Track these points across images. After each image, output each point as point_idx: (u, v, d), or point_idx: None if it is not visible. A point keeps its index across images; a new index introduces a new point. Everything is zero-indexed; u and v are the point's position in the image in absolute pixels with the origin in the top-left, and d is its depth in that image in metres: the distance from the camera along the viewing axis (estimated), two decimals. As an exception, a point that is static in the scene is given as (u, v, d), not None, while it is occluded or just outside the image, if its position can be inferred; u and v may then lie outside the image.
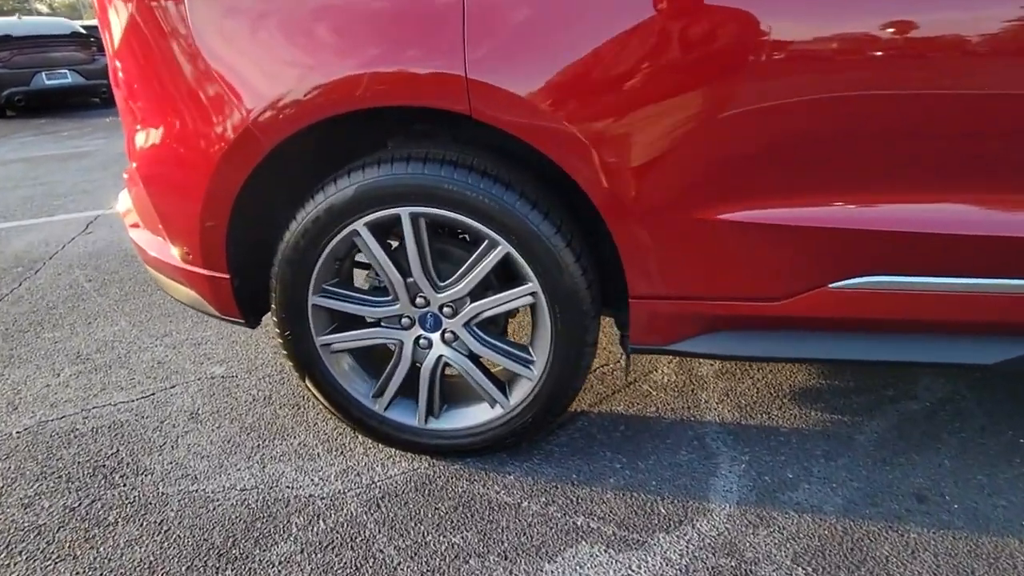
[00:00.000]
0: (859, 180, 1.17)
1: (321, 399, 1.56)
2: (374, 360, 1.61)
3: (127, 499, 1.51)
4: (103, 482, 1.57)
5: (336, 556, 1.32)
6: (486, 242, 1.33)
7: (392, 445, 1.59)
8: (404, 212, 1.32)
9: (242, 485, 1.53)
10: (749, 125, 1.14)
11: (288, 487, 1.52)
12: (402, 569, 1.28)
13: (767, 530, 1.32)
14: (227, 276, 1.46)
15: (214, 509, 1.46)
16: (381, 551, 1.33)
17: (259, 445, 1.67)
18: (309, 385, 1.55)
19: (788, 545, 1.28)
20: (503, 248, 1.31)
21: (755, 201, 1.21)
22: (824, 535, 1.30)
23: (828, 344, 1.31)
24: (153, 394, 1.93)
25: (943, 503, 1.36)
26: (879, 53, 1.07)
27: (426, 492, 1.48)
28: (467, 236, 1.59)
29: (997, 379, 1.76)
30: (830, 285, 1.25)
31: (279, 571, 1.29)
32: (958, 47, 1.06)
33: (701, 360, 1.92)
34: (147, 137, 1.40)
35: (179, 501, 1.49)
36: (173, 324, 2.36)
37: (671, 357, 1.95)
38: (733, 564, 1.25)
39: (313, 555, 1.32)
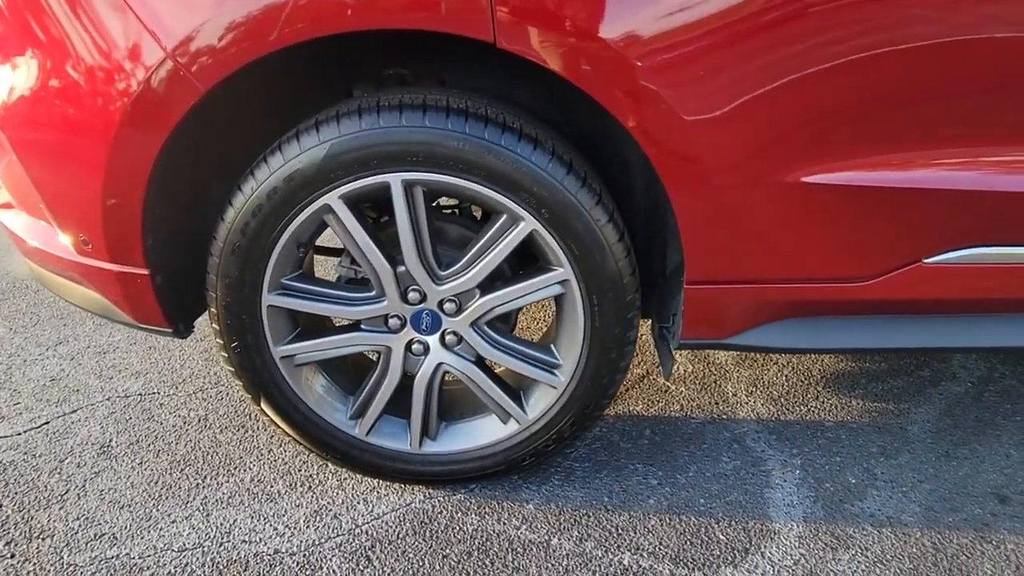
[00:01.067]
0: (972, 132, 0.96)
1: (283, 426, 1.21)
2: (348, 371, 1.27)
3: (18, 577, 1.11)
4: (-19, 554, 1.16)
5: (323, 638, 1.00)
6: (504, 217, 1.02)
7: (378, 476, 1.27)
8: (395, 179, 0.98)
9: (180, 543, 1.17)
10: (846, 64, 0.89)
11: (244, 541, 1.17)
12: (415, 649, 0.98)
13: (848, 553, 1.11)
14: (145, 272, 1.07)
15: (145, 582, 1.10)
16: (381, 624, 1.02)
17: (199, 484, 1.31)
18: (266, 409, 1.19)
19: (878, 571, 1.08)
20: (528, 224, 1.01)
21: (848, 159, 0.96)
22: (915, 554, 1.11)
23: (920, 330, 1.10)
24: (47, 423, 1.50)
25: (1027, 503, 1.21)
26: None
27: (427, 535, 1.17)
28: (467, 209, 1.28)
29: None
30: (925, 260, 1.04)
31: (245, 666, 0.96)
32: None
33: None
34: (15, 82, 0.98)
35: (94, 574, 1.11)
36: (69, 328, 1.90)
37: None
38: (822, 602, 1.03)
39: (291, 639, 1.00)
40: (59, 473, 1.34)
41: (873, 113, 0.94)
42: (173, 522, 1.22)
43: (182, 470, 1.35)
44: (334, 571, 1.11)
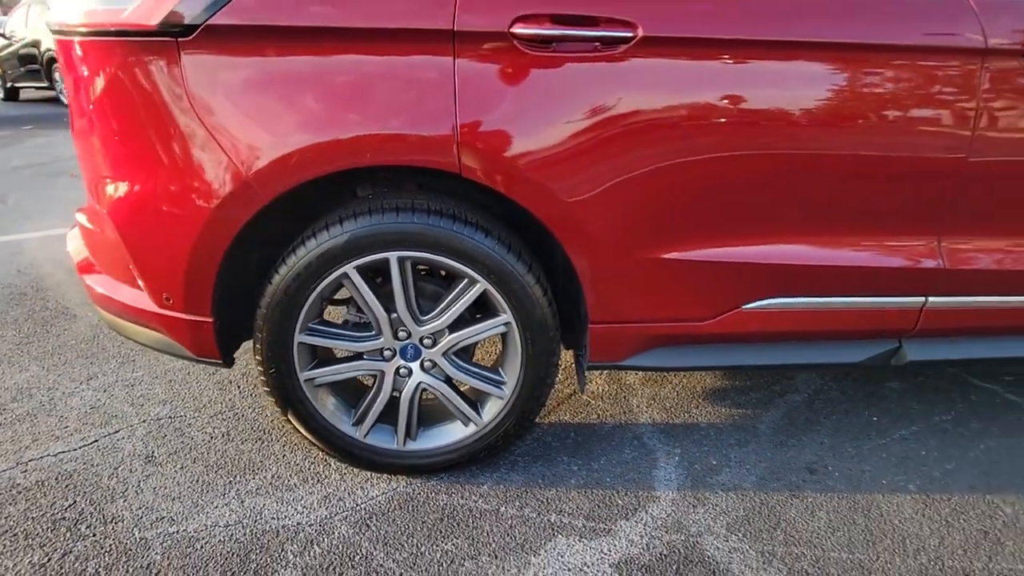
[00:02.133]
0: (760, 228, 1.51)
1: (304, 431, 1.64)
2: (350, 391, 1.72)
3: (103, 548, 1.49)
4: (68, 534, 1.53)
5: (340, 575, 1.42)
6: (465, 280, 1.52)
7: (373, 469, 1.71)
8: (393, 256, 1.46)
9: (225, 522, 1.58)
10: (687, 190, 1.43)
11: (273, 518, 1.59)
12: (406, 579, 1.42)
13: (703, 508, 1.61)
14: (210, 319, 1.51)
15: (202, 547, 1.50)
16: (381, 565, 1.45)
17: (231, 481, 1.71)
18: (292, 418, 1.62)
19: (722, 518, 1.58)
20: (482, 285, 1.50)
21: (689, 245, 1.50)
22: (747, 507, 1.62)
23: (744, 354, 1.64)
24: (96, 441, 1.87)
25: (827, 472, 1.74)
26: (746, 137, 1.40)
27: (410, 508, 1.62)
28: (437, 273, 1.76)
29: (852, 373, 2.22)
30: (744, 306, 1.58)
31: (286, 596, 1.38)
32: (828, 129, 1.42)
33: (628, 371, 2.22)
34: (130, 187, 1.43)
35: (162, 544, 1.51)
36: (96, 365, 2.26)
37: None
38: (683, 538, 1.52)
39: (317, 577, 1.42)
40: (116, 477, 1.72)
41: (697, 216, 1.47)
42: (216, 508, 1.62)
43: (216, 472, 1.75)
44: (343, 534, 1.54)
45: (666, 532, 1.54)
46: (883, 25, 1.38)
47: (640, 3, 1.32)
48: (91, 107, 1.41)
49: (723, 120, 1.38)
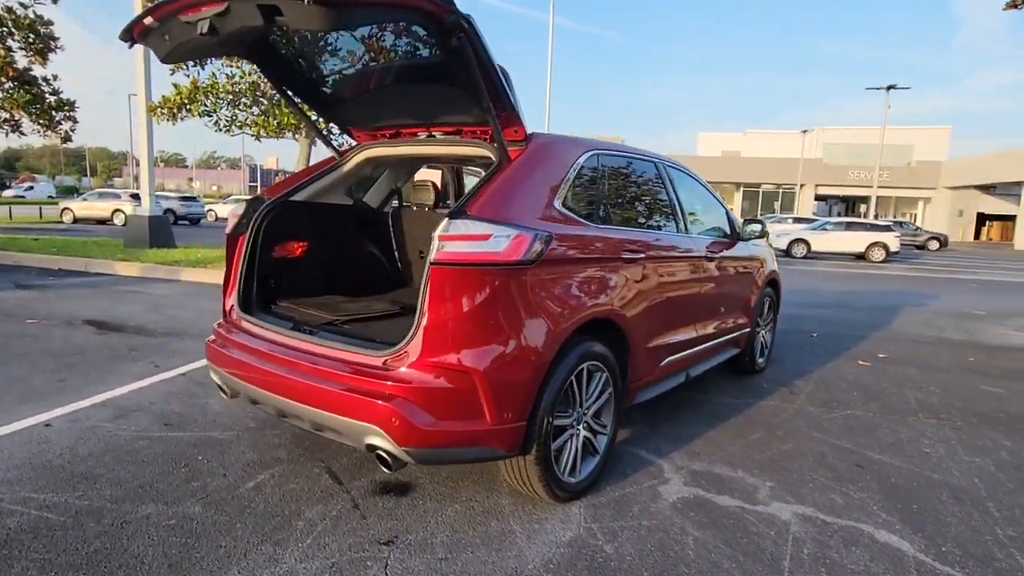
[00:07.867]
0: (665, 329, 3.58)
1: (543, 479, 2.72)
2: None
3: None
4: None
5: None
6: (598, 374, 3.01)
7: (570, 499, 2.88)
8: (584, 365, 2.87)
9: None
10: (651, 315, 3.38)
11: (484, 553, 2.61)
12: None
13: (677, 463, 3.45)
14: (525, 423, 2.54)
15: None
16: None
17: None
18: (542, 475, 2.69)
19: (689, 466, 3.46)
20: (608, 375, 3.04)
21: (652, 340, 3.43)
22: (689, 453, 3.54)
23: (663, 385, 3.63)
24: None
25: (682, 433, 3.84)
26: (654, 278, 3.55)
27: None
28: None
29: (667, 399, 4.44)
30: (661, 363, 3.58)
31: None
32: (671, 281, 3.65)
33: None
34: (499, 348, 2.41)
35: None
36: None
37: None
38: (685, 475, 3.33)
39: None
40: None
41: (652, 328, 3.43)
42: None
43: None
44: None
45: (675, 473, 3.32)
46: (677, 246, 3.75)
47: (645, 248, 3.29)
48: (472, 302, 2.37)
49: (665, 285, 3.45)
